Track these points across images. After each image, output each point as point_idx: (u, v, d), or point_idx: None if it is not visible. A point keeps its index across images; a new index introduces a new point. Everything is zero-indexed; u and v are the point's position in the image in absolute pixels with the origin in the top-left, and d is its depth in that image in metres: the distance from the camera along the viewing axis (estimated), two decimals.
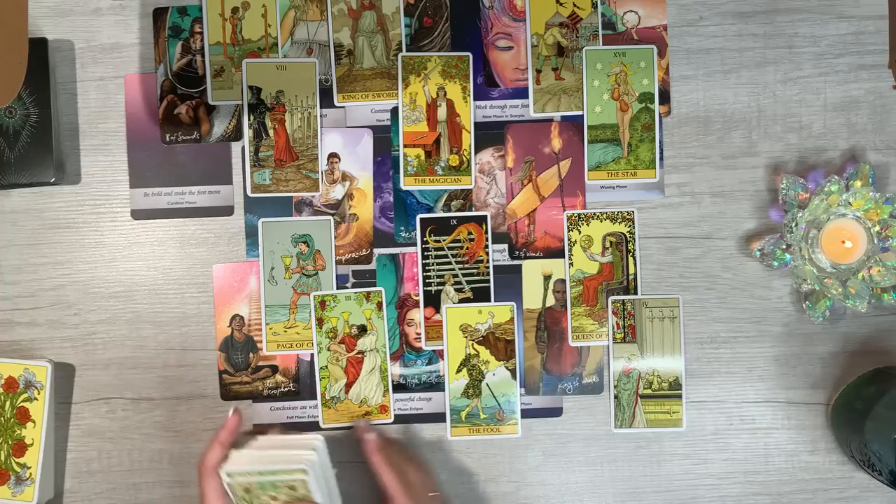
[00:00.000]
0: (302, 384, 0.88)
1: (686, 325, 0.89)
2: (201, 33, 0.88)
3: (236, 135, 0.88)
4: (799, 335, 0.90)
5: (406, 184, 0.88)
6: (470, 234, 0.88)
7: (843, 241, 0.85)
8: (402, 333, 0.89)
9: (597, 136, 0.89)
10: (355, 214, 0.89)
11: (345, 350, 0.88)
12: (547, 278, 0.89)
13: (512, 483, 0.89)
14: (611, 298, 0.89)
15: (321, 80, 0.88)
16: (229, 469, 0.75)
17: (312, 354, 0.88)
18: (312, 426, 0.88)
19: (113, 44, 0.88)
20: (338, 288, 0.88)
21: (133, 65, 0.88)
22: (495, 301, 0.88)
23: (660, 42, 0.89)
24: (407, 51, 0.88)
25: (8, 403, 0.84)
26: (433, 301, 0.88)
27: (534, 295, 0.89)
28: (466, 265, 0.88)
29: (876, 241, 0.85)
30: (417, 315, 0.89)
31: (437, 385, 0.89)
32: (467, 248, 0.89)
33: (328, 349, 0.88)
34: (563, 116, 0.89)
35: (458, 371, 0.88)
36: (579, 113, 0.89)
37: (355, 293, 0.88)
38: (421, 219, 0.88)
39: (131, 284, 0.88)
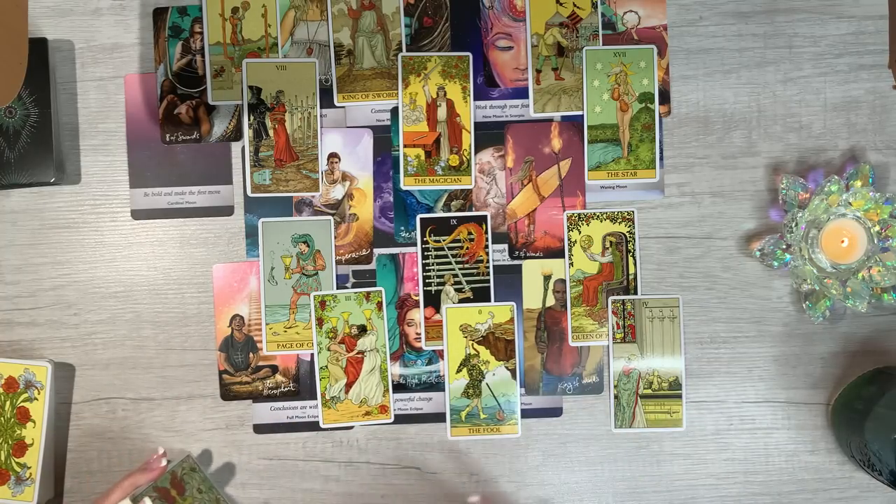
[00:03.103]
0: (302, 384, 0.88)
1: (686, 325, 0.89)
2: (201, 33, 0.88)
3: (236, 135, 0.88)
4: (799, 335, 0.90)
5: (406, 184, 0.88)
6: (470, 234, 0.88)
7: (843, 241, 0.85)
8: (402, 333, 0.89)
9: (597, 136, 0.89)
10: (355, 214, 0.89)
11: (345, 350, 0.88)
12: (547, 278, 0.89)
13: (512, 483, 0.89)
14: (611, 298, 0.89)
15: (321, 80, 0.88)
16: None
17: (312, 354, 0.88)
18: (312, 426, 0.88)
19: (113, 44, 0.88)
20: (338, 288, 0.88)
21: (133, 65, 0.88)
22: (495, 301, 0.88)
23: (660, 42, 0.89)
24: (407, 51, 0.88)
25: (8, 403, 0.84)
26: (433, 301, 0.88)
27: (534, 295, 0.89)
28: (466, 265, 0.88)
29: (876, 241, 0.85)
30: (417, 315, 0.89)
31: (437, 385, 0.89)
32: (467, 248, 0.89)
33: (328, 349, 0.88)
34: (563, 116, 0.89)
35: (458, 371, 0.88)
36: (579, 113, 0.89)
37: (355, 293, 0.88)
38: (421, 219, 0.88)
39: (131, 284, 0.88)
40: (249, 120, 0.87)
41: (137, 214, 0.88)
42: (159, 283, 0.88)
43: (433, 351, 0.89)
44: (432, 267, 0.88)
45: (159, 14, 0.88)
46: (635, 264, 0.89)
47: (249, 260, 0.88)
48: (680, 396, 0.89)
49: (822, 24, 0.90)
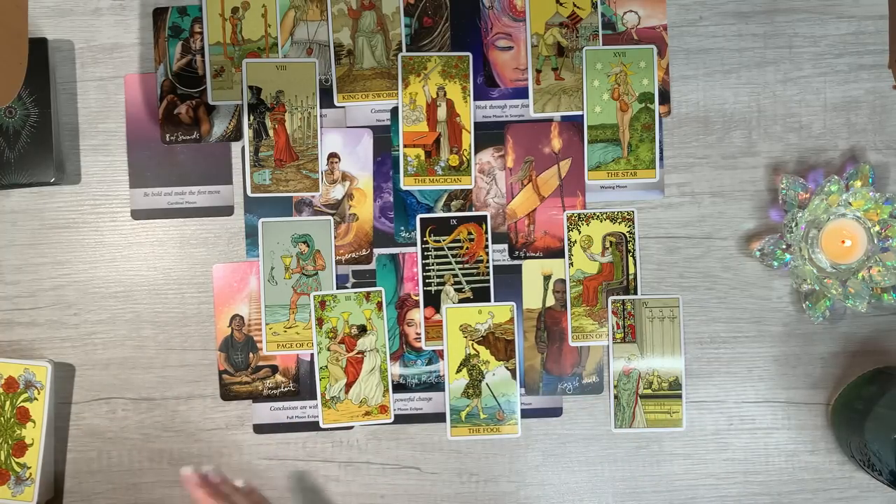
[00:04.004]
0: (302, 384, 0.88)
1: (686, 325, 0.89)
2: (201, 33, 0.88)
3: (236, 135, 0.88)
4: (799, 335, 0.90)
5: (406, 184, 0.88)
6: (470, 234, 0.88)
7: (843, 241, 0.85)
8: (402, 333, 0.89)
9: (597, 136, 0.89)
10: (355, 214, 0.89)
11: (345, 350, 0.88)
12: (547, 278, 0.89)
13: (512, 483, 0.89)
14: (611, 298, 0.89)
15: (321, 80, 0.88)
16: None
17: (312, 354, 0.88)
18: (312, 426, 0.88)
19: (113, 44, 0.88)
20: (338, 288, 0.88)
21: (133, 65, 0.88)
22: (495, 301, 0.88)
23: (660, 42, 0.89)
24: (407, 51, 0.88)
25: (8, 403, 0.85)
26: (433, 301, 0.88)
27: (534, 295, 0.89)
28: (466, 265, 0.88)
29: (876, 241, 0.85)
30: (417, 315, 0.89)
31: (437, 385, 0.89)
32: (467, 248, 0.89)
33: (328, 349, 0.88)
34: (563, 116, 0.89)
35: (458, 371, 0.88)
36: (579, 113, 0.89)
37: (355, 293, 0.88)
38: (421, 219, 0.88)
39: (131, 284, 0.88)
40: (249, 120, 0.87)
41: (137, 214, 0.88)
42: (159, 283, 0.88)
43: (433, 351, 0.89)
44: (432, 267, 0.88)
45: (159, 14, 0.88)
46: (635, 264, 0.89)
47: (249, 260, 0.88)
48: (680, 396, 0.89)
49: (822, 24, 0.90)
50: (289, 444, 0.89)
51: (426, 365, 0.89)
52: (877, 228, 0.85)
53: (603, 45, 0.89)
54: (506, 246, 0.89)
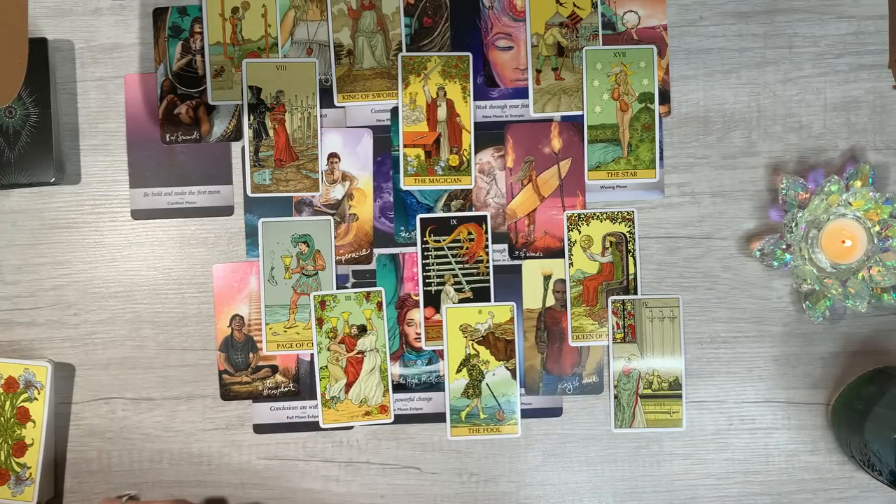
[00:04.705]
0: (302, 384, 0.88)
1: (686, 325, 0.89)
2: (201, 33, 0.88)
3: (236, 135, 0.88)
4: (799, 335, 0.90)
5: (406, 184, 0.88)
6: (470, 234, 0.88)
7: (843, 241, 0.85)
8: (402, 333, 0.89)
9: (597, 136, 0.89)
10: (355, 214, 0.89)
11: (345, 350, 0.88)
12: (547, 278, 0.89)
13: (512, 483, 0.89)
14: (611, 298, 0.89)
15: (321, 80, 0.88)
16: None
17: (312, 354, 0.88)
18: (312, 426, 0.88)
19: (113, 44, 0.88)
20: (338, 288, 0.88)
21: (133, 65, 0.88)
22: (495, 301, 0.88)
23: (660, 42, 0.89)
24: (407, 51, 0.88)
25: (8, 403, 0.85)
26: (433, 301, 0.88)
27: (534, 295, 0.89)
28: (466, 265, 0.88)
29: (876, 241, 0.85)
30: (417, 315, 0.89)
31: (437, 385, 0.89)
32: (467, 248, 0.89)
33: (328, 349, 0.88)
34: (563, 116, 0.89)
35: (458, 371, 0.88)
36: (579, 113, 0.89)
37: (355, 293, 0.88)
38: (421, 219, 0.88)
39: (131, 284, 0.88)
40: (249, 120, 0.88)
41: (137, 214, 0.88)
42: (159, 283, 0.88)
43: (433, 351, 0.89)
44: (432, 267, 0.88)
45: (159, 14, 0.88)
46: (635, 264, 0.89)
47: (249, 260, 0.88)
48: (680, 396, 0.89)
49: (822, 24, 0.90)
50: (289, 444, 0.89)
51: (426, 365, 0.89)
52: (877, 228, 0.85)
53: (603, 45, 0.89)
54: (506, 246, 0.89)
